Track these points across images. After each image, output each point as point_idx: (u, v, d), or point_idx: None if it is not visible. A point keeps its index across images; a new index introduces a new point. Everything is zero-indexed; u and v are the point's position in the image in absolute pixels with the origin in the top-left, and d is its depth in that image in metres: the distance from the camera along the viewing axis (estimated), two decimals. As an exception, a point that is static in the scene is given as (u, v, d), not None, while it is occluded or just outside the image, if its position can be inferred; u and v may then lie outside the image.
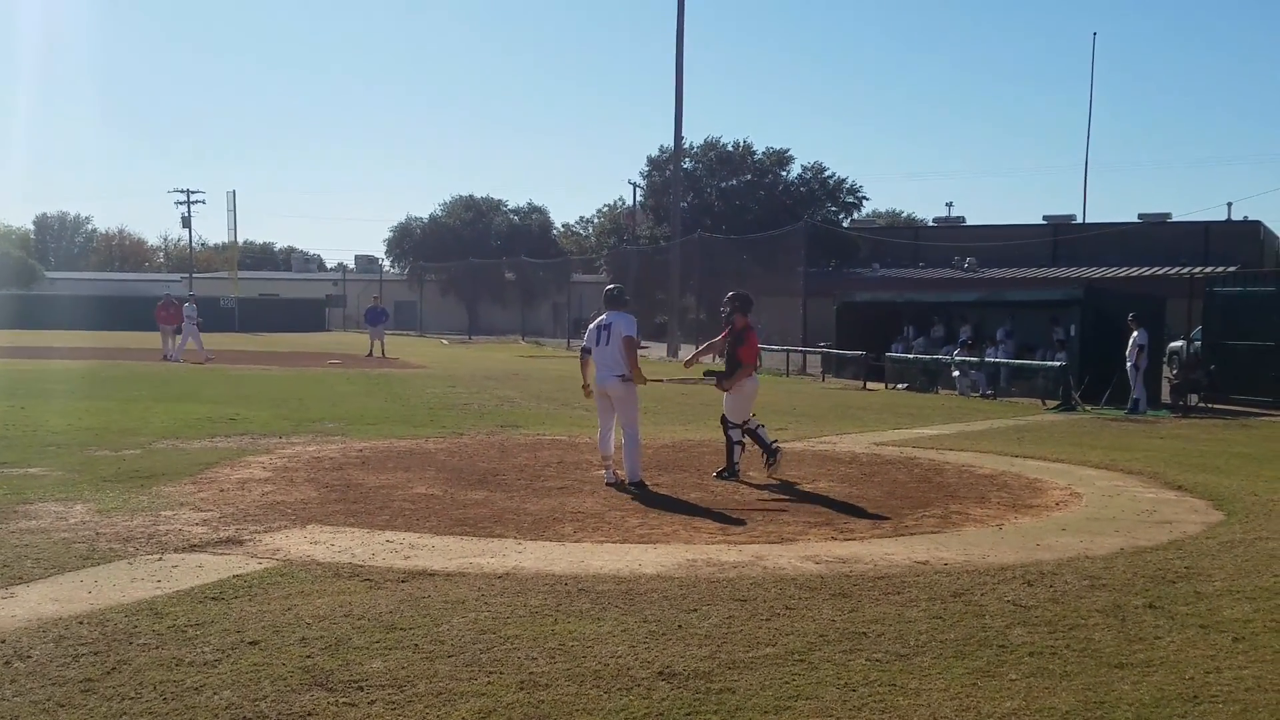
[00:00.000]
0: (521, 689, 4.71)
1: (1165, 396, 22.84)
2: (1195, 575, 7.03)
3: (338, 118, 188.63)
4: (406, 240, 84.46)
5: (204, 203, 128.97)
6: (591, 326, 10.74)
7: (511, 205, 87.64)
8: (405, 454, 12.30)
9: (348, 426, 14.84)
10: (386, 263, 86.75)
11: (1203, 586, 6.74)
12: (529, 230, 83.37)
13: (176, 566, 6.79)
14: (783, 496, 10.03)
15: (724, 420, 11.18)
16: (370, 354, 36.57)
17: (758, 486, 10.52)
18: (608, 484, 10.28)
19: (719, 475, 10.96)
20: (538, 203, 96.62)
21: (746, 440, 11.15)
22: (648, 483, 10.34)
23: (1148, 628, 5.81)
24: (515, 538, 7.88)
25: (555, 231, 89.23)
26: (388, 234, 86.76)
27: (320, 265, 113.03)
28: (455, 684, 4.76)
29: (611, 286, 11.07)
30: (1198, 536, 8.32)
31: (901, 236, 61.11)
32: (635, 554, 7.40)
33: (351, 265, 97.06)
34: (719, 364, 11.44)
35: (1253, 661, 5.27)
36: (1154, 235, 49.80)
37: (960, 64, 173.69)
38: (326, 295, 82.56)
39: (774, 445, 11.09)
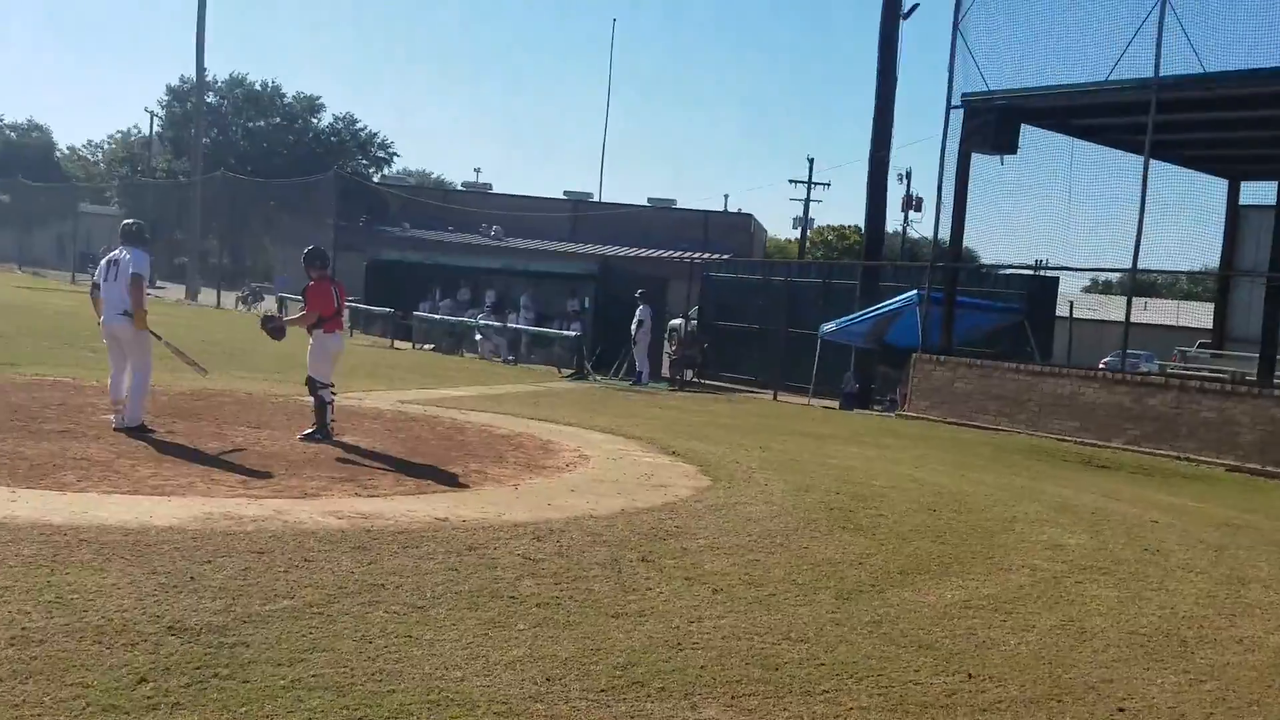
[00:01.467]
0: (11, 645, 4.41)
1: (666, 370, 24.75)
2: (683, 533, 7.77)
3: None
4: None
5: None
6: (103, 261, 10.19)
7: (8, 120, 78.87)
8: None
9: None
10: None
11: (689, 543, 7.47)
12: (27, 149, 75.32)
13: None
14: (310, 450, 9.93)
15: (310, 381, 10.61)
16: None
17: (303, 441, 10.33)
18: (115, 429, 9.74)
19: (306, 437, 10.37)
20: (38, 120, 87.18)
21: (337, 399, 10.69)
22: (158, 430, 9.88)
23: (641, 580, 6.39)
24: (7, 485, 7.25)
25: (59, 154, 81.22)
26: None
27: None
28: (-73, 642, 4.38)
29: (129, 221, 10.51)
30: (687, 499, 9.14)
31: (431, 197, 61.34)
32: (147, 505, 7.06)
33: None
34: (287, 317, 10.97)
35: (730, 611, 5.94)
36: (661, 220, 53.39)
37: (493, 34, 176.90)
38: None
39: (330, 427, 10.56)
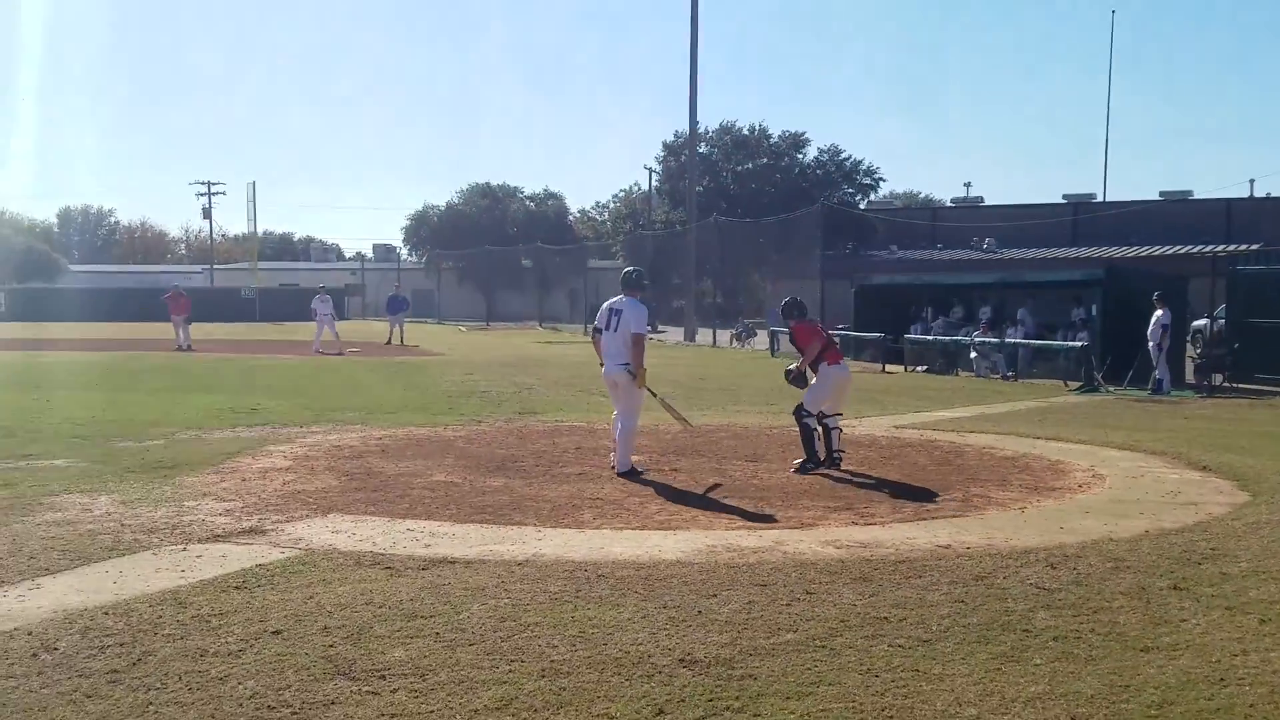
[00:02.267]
0: (543, 677, 4.72)
1: (1189, 376, 22.69)
2: (1221, 556, 6.98)
3: (355, 106, 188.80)
4: (423, 228, 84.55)
5: (224, 194, 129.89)
6: (604, 307, 10.55)
7: (528, 192, 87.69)
8: (424, 442, 12.32)
9: (367, 415, 14.87)
10: (404, 251, 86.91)
11: (1229, 568, 6.69)
12: (545, 217, 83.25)
13: (200, 556, 6.82)
14: (805, 480, 9.99)
15: (799, 410, 10.67)
16: (389, 342, 36.70)
17: (782, 472, 10.46)
18: (620, 473, 10.08)
19: (800, 468, 10.43)
20: (554, 189, 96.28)
21: (834, 426, 10.66)
22: (649, 471, 10.20)
23: (1173, 610, 5.78)
24: (535, 525, 7.89)
25: (571, 217, 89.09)
26: (405, 222, 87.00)
27: (339, 254, 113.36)
28: (476, 672, 4.77)
29: (630, 269, 10.88)
30: (1223, 517, 8.26)
31: (919, 217, 60.68)
32: (655, 540, 7.39)
33: (369, 254, 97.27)
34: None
35: (1280, 644, 5.23)
36: (1175, 213, 49.27)
37: (976, 42, 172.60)
38: (345, 284, 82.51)
39: (821, 460, 10.52)
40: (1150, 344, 20.58)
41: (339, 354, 30.60)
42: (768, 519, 8.19)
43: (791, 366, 11.03)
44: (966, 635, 5.31)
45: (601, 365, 10.57)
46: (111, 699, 4.47)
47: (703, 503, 8.82)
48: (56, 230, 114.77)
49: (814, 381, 10.78)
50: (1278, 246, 35.40)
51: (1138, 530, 7.76)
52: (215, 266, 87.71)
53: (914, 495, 9.21)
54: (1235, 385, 21.26)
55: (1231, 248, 37.69)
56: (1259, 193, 53.32)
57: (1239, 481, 9.87)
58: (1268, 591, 6.16)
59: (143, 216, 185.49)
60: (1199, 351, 23.75)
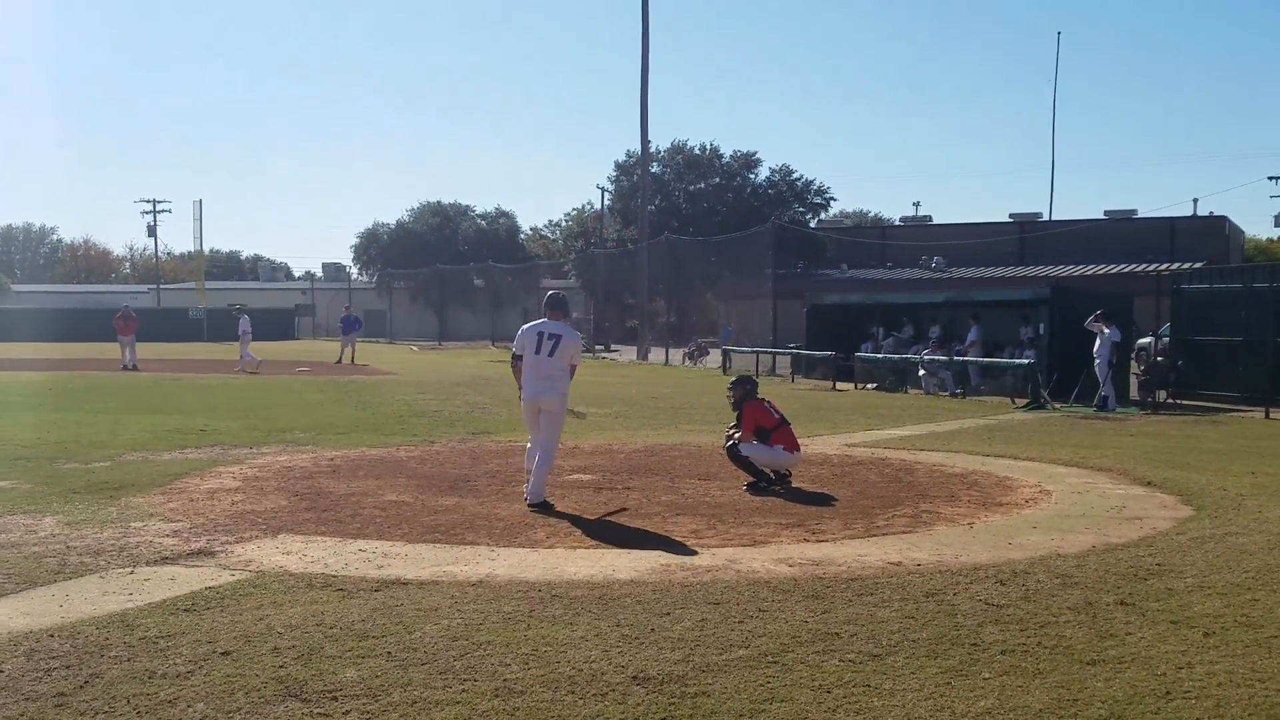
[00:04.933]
0: (496, 696, 4.70)
1: (1133, 393, 23.02)
2: (1166, 571, 7.08)
3: (303, 125, 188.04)
4: (373, 247, 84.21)
5: (170, 212, 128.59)
6: (528, 329, 9.79)
7: (479, 210, 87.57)
8: (376, 462, 12.24)
9: (318, 435, 14.74)
10: (354, 270, 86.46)
11: (1174, 583, 6.79)
12: (497, 235, 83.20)
13: (148, 579, 6.73)
14: (755, 499, 10.03)
15: (733, 449, 10.71)
16: (339, 361, 36.46)
17: (738, 489, 10.50)
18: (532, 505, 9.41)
19: (752, 488, 10.42)
20: (505, 207, 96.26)
21: None
22: (557, 505, 9.49)
23: (1119, 625, 5.85)
24: (488, 544, 7.85)
25: (523, 235, 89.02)
26: (355, 241, 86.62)
27: (287, 273, 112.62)
28: (429, 692, 4.74)
29: (555, 292, 10.29)
30: (1168, 532, 8.39)
31: (869, 236, 61.22)
32: (608, 559, 7.40)
33: (319, 273, 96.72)
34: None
35: (1224, 656, 5.31)
36: (1120, 232, 50.14)
37: (925, 63, 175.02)
38: (295, 304, 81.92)
39: (771, 479, 10.59)
40: (1097, 361, 20.84)
41: (253, 373, 30.40)
42: (720, 537, 8.19)
43: (734, 439, 10.80)
44: (916, 650, 5.36)
45: (520, 390, 9.81)
46: (58, 723, 4.41)
47: (656, 521, 8.83)
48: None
49: (764, 447, 10.64)
50: (1219, 264, 36.11)
51: (1084, 545, 7.86)
52: (162, 286, 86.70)
53: (865, 512, 9.26)
54: (1179, 402, 21.60)
55: (1175, 266, 38.33)
56: (1202, 211, 54.38)
57: (1183, 496, 10.03)
58: (1212, 606, 6.25)
59: (86, 234, 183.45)
60: (1143, 369, 24.08)
